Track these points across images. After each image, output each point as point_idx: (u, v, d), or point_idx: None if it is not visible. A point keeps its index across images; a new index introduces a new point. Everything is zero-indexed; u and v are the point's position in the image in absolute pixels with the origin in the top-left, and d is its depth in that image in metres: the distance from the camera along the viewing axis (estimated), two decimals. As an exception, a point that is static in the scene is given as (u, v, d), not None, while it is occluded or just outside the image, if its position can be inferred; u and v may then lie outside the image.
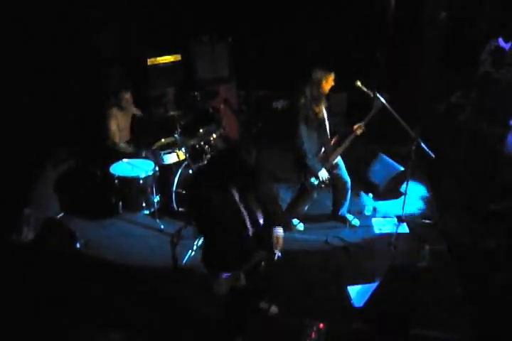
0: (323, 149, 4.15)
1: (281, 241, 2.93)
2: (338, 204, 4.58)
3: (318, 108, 3.96)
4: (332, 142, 4.20)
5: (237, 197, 2.75)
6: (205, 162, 4.58)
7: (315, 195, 4.37)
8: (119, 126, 4.85)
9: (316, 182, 4.11)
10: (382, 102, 3.92)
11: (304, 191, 4.30)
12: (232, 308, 3.07)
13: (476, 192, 4.81)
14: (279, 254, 2.90)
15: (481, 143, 5.09)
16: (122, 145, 4.87)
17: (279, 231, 2.95)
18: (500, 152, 4.90)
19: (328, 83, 3.90)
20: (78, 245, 4.28)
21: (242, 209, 2.77)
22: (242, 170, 2.62)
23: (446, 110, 5.60)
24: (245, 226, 2.79)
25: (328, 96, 4.06)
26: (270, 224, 2.93)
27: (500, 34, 5.83)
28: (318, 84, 3.87)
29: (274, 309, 3.50)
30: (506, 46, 5.88)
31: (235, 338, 3.15)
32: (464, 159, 5.13)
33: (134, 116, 5.05)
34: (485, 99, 5.45)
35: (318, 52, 6.63)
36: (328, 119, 4.11)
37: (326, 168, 4.12)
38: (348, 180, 4.39)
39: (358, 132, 4.09)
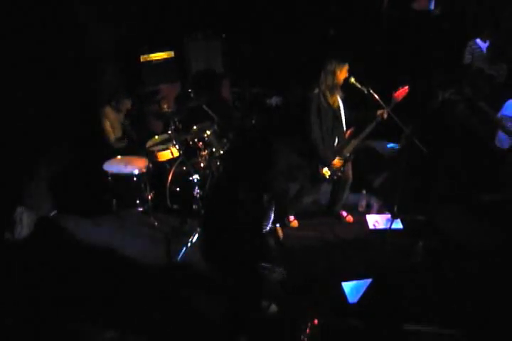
0: (337, 140, 4.12)
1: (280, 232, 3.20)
2: (335, 200, 4.59)
3: (332, 98, 3.97)
4: (348, 133, 4.17)
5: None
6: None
7: (321, 187, 4.33)
8: (112, 124, 4.85)
9: (329, 173, 4.10)
10: (376, 98, 3.91)
11: (313, 181, 4.27)
12: (235, 307, 3.07)
13: (469, 187, 4.84)
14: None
15: (474, 139, 5.11)
16: (115, 141, 4.87)
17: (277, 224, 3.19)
18: (493, 147, 4.91)
19: (343, 73, 3.90)
20: (71, 243, 4.26)
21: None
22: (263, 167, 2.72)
23: (439, 106, 5.61)
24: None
25: (344, 87, 4.02)
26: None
27: (484, 32, 5.93)
28: (333, 74, 3.88)
29: (273, 308, 3.51)
30: (484, 46, 6.00)
31: (238, 337, 3.15)
32: (457, 155, 5.15)
33: (126, 113, 5.04)
34: (478, 95, 5.46)
35: (314, 49, 6.63)
36: (344, 110, 4.09)
37: (342, 160, 4.10)
38: (351, 176, 4.39)
39: (385, 116, 3.97)
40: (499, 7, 6.42)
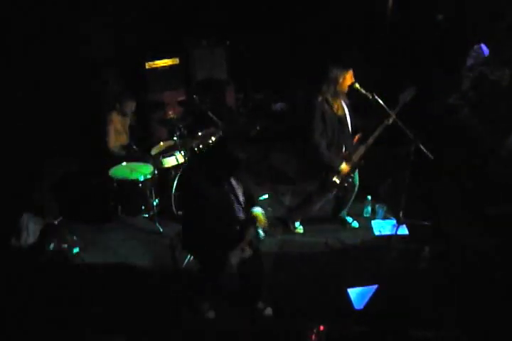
0: (344, 147, 4.07)
1: (262, 218, 3.13)
2: (340, 205, 4.57)
3: (336, 105, 3.90)
4: (355, 139, 4.12)
5: (228, 187, 3.05)
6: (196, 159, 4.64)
7: (331, 194, 4.30)
8: (117, 130, 4.85)
9: (338, 181, 4.04)
10: (381, 104, 3.89)
11: (322, 189, 4.23)
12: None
13: (474, 194, 4.82)
14: (262, 233, 3.11)
15: (478, 144, 5.10)
16: (116, 149, 4.86)
17: (259, 209, 3.15)
18: (498, 153, 4.90)
19: (346, 80, 3.82)
20: (77, 249, 4.27)
21: (233, 197, 3.07)
22: (232, 162, 2.92)
23: (443, 111, 5.61)
24: (237, 212, 3.10)
25: (350, 93, 3.97)
26: (252, 205, 3.20)
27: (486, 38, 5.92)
28: (335, 82, 3.81)
29: (268, 310, 3.50)
30: (487, 51, 5.97)
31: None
32: (461, 160, 5.13)
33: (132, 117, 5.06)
34: (482, 100, 5.46)
35: (316, 54, 6.64)
36: (350, 117, 4.04)
37: (351, 166, 4.05)
38: (357, 183, 4.35)
39: (390, 121, 3.89)
40: (501, 11, 6.41)
